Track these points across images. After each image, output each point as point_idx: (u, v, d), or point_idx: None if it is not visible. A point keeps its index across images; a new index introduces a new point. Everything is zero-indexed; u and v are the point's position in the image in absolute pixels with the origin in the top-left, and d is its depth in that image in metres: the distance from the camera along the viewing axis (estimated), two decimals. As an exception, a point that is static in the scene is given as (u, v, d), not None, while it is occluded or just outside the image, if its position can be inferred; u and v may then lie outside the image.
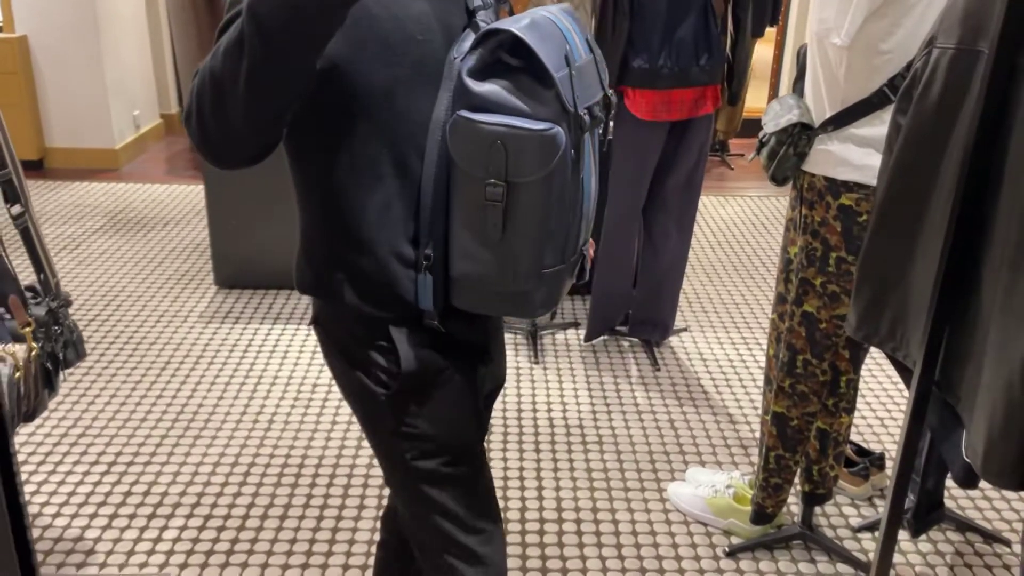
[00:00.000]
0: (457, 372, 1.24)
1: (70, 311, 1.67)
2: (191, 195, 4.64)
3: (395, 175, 1.13)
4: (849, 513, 2.35)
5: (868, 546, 2.23)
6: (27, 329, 1.48)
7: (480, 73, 1.08)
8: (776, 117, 1.85)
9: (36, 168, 4.97)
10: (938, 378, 1.37)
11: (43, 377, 1.54)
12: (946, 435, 1.38)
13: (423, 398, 1.21)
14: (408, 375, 1.18)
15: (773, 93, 5.82)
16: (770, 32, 4.74)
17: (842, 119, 1.76)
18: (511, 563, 2.11)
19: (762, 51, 5.14)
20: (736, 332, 3.33)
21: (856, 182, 1.76)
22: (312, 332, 3.23)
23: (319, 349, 3.09)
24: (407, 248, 1.15)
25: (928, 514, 2.16)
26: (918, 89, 1.37)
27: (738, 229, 4.35)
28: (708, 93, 2.81)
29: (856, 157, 1.75)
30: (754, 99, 5.36)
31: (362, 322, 1.19)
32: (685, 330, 3.35)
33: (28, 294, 1.58)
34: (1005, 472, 1.18)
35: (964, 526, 2.28)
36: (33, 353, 1.47)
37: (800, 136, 1.80)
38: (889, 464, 2.46)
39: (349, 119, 1.11)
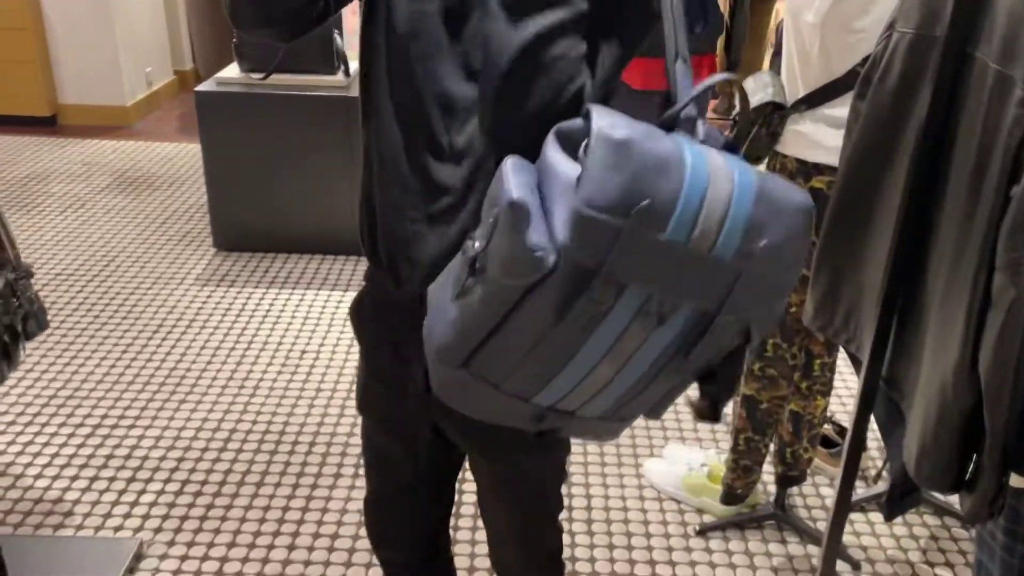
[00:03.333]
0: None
1: (33, 283, 1.69)
2: (200, 154, 4.64)
3: None
4: (827, 493, 2.33)
5: (842, 528, 2.21)
6: (-20, 303, 1.49)
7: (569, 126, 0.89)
8: (750, 95, 1.79)
9: (49, 124, 5.00)
10: (886, 374, 1.34)
11: (0, 350, 1.56)
12: (891, 431, 1.36)
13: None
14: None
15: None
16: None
17: (815, 99, 1.71)
18: (480, 535, 2.12)
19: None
20: (732, 305, 3.29)
21: (828, 164, 1.71)
22: (304, 299, 3.24)
23: (310, 315, 3.11)
24: None
25: (903, 498, 2.14)
26: (877, 73, 1.32)
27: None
28: (704, 62, 2.75)
29: (828, 139, 1.70)
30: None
31: None
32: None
33: (-14, 267, 1.59)
34: (935, 476, 1.15)
35: (942, 510, 2.26)
36: (-15, 326, 1.49)
37: (772, 115, 1.75)
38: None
39: None
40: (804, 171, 1.74)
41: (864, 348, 1.38)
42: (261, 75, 3.36)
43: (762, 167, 1.89)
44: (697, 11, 2.65)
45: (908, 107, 1.27)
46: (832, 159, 1.71)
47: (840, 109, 1.69)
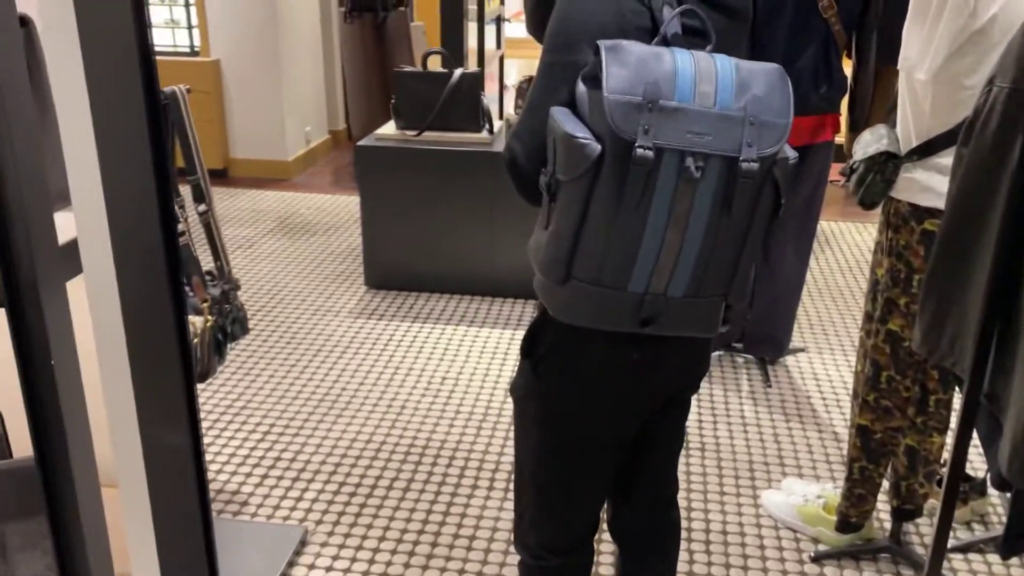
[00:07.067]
0: None
1: (239, 294, 2.02)
2: (350, 205, 5.10)
3: None
4: (943, 534, 2.39)
5: (959, 566, 2.27)
6: (204, 304, 1.82)
7: (589, 70, 1.19)
8: (866, 146, 1.97)
9: (221, 176, 5.59)
10: (987, 391, 1.48)
11: (214, 346, 1.89)
12: (991, 443, 1.48)
13: None
14: None
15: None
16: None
17: (927, 149, 1.86)
18: (605, 555, 2.30)
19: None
20: (854, 355, 3.37)
21: (938, 208, 1.85)
22: (444, 333, 3.54)
23: (450, 347, 3.40)
24: None
25: (1019, 538, 2.19)
26: (979, 123, 1.49)
27: (870, 255, 4.34)
28: (827, 121, 2.91)
29: (939, 185, 1.85)
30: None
31: None
32: (802, 350, 3.42)
33: (207, 277, 1.94)
34: (1026, 473, 1.28)
35: (1062, 556, 2.28)
36: (208, 324, 1.81)
37: (887, 164, 1.92)
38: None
39: None
40: (916, 215, 1.90)
41: (968, 370, 1.52)
42: (415, 132, 3.75)
43: (877, 212, 2.05)
44: (823, 75, 2.83)
45: (1006, 153, 1.43)
46: (942, 203, 1.85)
47: (950, 158, 1.84)
